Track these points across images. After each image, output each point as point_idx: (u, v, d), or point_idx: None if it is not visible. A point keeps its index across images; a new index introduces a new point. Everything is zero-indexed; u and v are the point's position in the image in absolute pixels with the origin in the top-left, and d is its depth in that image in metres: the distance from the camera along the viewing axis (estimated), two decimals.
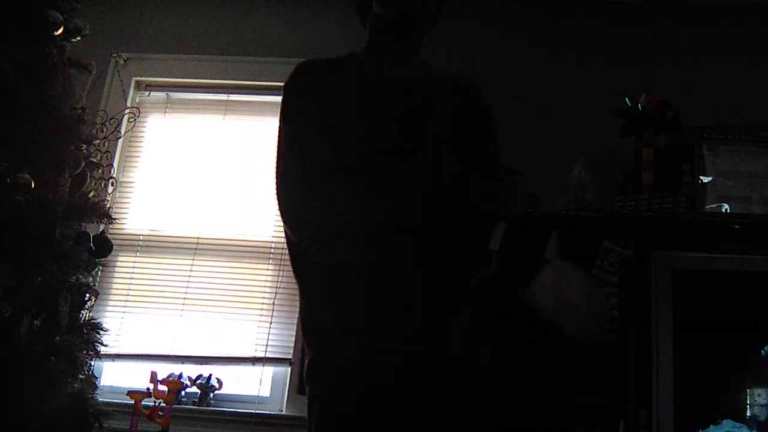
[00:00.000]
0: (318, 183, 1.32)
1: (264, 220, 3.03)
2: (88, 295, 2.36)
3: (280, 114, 1.42)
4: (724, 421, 2.08)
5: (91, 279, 2.56)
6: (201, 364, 2.84)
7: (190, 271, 2.99)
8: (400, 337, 1.30)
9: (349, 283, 1.31)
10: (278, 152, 1.38)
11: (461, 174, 1.38)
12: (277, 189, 1.36)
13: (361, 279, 1.30)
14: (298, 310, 2.82)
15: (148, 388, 2.57)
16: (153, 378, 2.60)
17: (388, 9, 1.41)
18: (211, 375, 2.80)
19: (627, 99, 2.56)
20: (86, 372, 2.30)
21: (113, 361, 2.85)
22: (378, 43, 1.48)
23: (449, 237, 1.34)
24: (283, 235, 2.94)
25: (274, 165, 1.38)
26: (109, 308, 2.95)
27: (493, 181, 1.49)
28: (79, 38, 2.41)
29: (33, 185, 2.08)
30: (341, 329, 1.33)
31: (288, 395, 2.77)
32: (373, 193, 1.30)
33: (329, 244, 1.31)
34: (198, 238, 3.03)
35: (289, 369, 2.80)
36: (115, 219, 2.62)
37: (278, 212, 1.37)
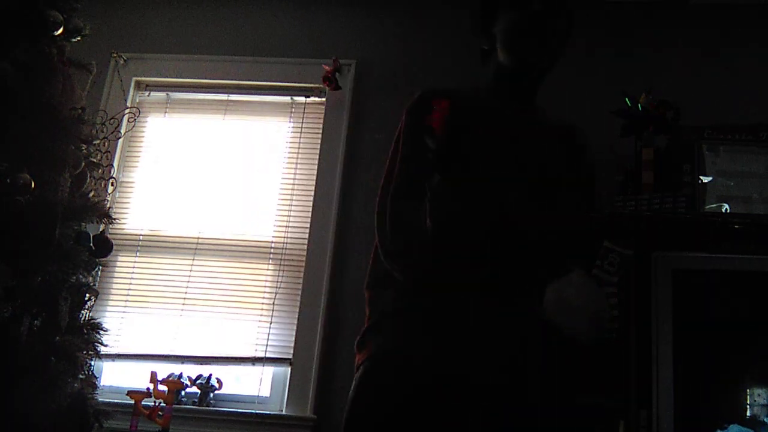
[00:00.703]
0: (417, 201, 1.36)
1: (264, 220, 3.03)
2: (88, 295, 2.36)
3: (398, 137, 1.48)
4: (730, 426, 2.08)
5: (91, 279, 2.56)
6: (201, 364, 2.84)
7: (190, 271, 2.99)
8: (460, 336, 1.35)
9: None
10: (388, 169, 1.45)
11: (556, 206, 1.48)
12: (379, 207, 1.43)
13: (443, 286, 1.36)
14: (299, 310, 2.83)
15: (148, 388, 2.57)
16: (153, 378, 2.60)
17: (517, 61, 1.51)
18: (211, 375, 2.80)
19: (627, 99, 2.57)
20: (86, 372, 2.30)
21: (113, 361, 2.85)
22: (501, 87, 1.55)
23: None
24: (282, 235, 2.97)
25: (382, 183, 1.44)
26: (109, 308, 2.95)
27: (579, 222, 1.62)
28: (79, 38, 2.41)
29: (33, 185, 2.08)
30: (410, 310, 1.38)
31: (288, 395, 2.77)
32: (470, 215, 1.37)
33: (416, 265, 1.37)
34: (198, 238, 3.03)
35: (289, 369, 2.80)
36: (115, 219, 2.62)
37: (377, 229, 1.42)
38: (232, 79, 3.22)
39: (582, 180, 1.64)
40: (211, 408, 2.76)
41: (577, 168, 1.62)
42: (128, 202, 3.13)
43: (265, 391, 2.83)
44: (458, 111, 1.38)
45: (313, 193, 2.99)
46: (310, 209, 2.97)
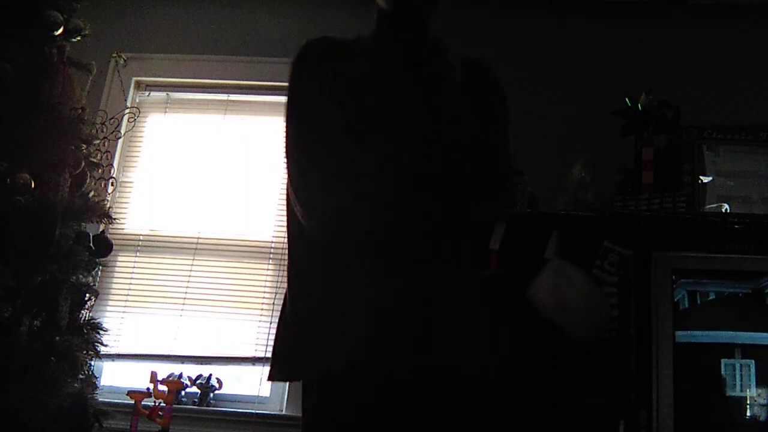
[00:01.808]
0: (320, 149, 1.29)
1: (264, 220, 3.03)
2: (88, 295, 2.36)
3: (288, 90, 1.40)
4: None
5: (91, 279, 2.56)
6: (201, 364, 2.84)
7: (190, 271, 2.99)
8: (394, 317, 1.25)
9: (343, 262, 1.28)
10: (286, 127, 1.36)
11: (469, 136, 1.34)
12: (287, 171, 1.34)
13: (358, 257, 1.27)
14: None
15: (148, 388, 2.57)
16: (153, 378, 2.60)
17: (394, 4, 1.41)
18: (211, 375, 2.80)
19: (627, 99, 2.57)
20: (86, 372, 2.30)
21: (113, 361, 2.84)
22: (384, 26, 1.46)
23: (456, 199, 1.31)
24: (282, 235, 2.96)
25: (284, 146, 1.35)
26: (109, 308, 2.95)
27: (500, 143, 1.47)
28: (79, 38, 2.41)
29: (33, 185, 2.08)
30: (331, 307, 1.27)
31: (288, 395, 2.76)
32: (378, 159, 1.27)
33: (329, 215, 1.28)
34: (198, 238, 3.03)
35: None
36: (115, 219, 2.62)
37: (289, 190, 1.35)
38: (232, 79, 3.22)
39: (497, 114, 1.49)
40: (211, 408, 2.76)
41: (491, 103, 1.48)
42: (128, 202, 3.13)
43: (265, 391, 2.83)
44: (348, 62, 1.34)
45: None
46: None
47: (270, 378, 1.37)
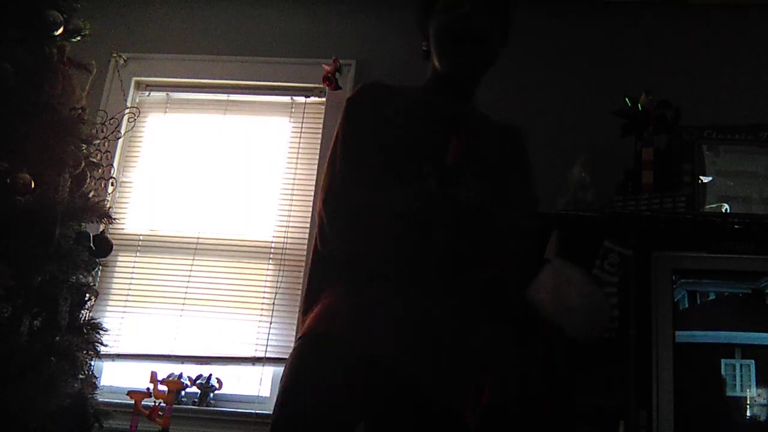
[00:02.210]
0: (359, 182, 1.39)
1: (264, 220, 3.03)
2: (88, 295, 2.36)
3: (339, 124, 1.49)
4: None
5: (91, 279, 2.56)
6: (201, 364, 2.84)
7: (190, 271, 2.99)
8: (405, 329, 1.32)
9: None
10: (331, 156, 1.46)
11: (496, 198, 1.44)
12: (323, 192, 1.44)
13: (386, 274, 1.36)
14: (299, 310, 2.84)
15: (148, 388, 2.57)
16: (153, 378, 2.60)
17: (447, 65, 1.48)
18: (211, 375, 2.80)
19: (627, 99, 2.57)
20: (86, 372, 2.30)
21: (113, 361, 2.85)
22: (437, 84, 1.54)
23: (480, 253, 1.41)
24: (282, 235, 2.97)
25: (326, 170, 1.46)
26: (109, 308, 2.95)
27: (525, 206, 1.56)
28: (79, 38, 2.41)
29: (33, 185, 2.08)
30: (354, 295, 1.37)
31: None
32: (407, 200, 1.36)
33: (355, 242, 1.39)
34: (198, 238, 3.03)
35: None
36: (115, 219, 2.62)
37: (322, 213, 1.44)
38: (232, 79, 3.22)
39: (525, 177, 1.58)
40: (211, 408, 2.76)
41: (520, 166, 1.56)
42: (128, 202, 3.13)
43: (265, 391, 2.83)
44: (397, 110, 1.43)
45: (313, 193, 2.99)
46: (310, 209, 2.96)
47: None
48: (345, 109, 1.50)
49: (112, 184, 2.86)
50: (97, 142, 2.55)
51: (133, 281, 3.00)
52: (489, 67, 1.52)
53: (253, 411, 2.73)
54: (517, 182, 1.53)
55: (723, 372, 2.19)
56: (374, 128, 1.44)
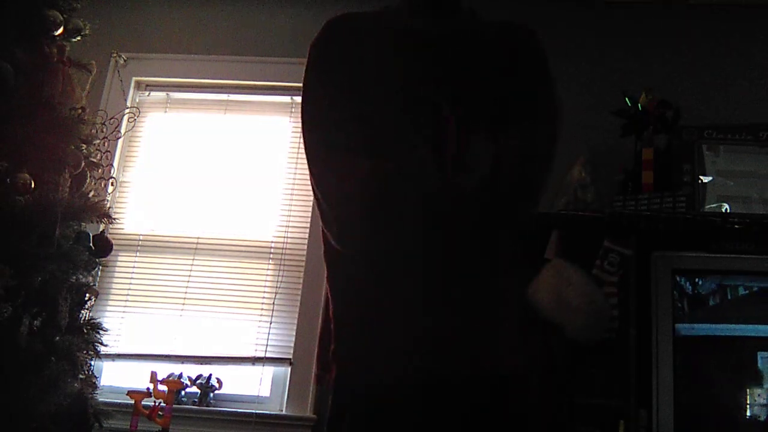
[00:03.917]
0: (336, 160, 1.21)
1: (264, 220, 3.03)
2: (88, 295, 2.36)
3: (304, 79, 1.30)
4: None
5: (91, 279, 2.56)
6: (201, 364, 2.84)
7: (190, 271, 2.99)
8: (425, 331, 1.20)
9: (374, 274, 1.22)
10: (304, 136, 1.27)
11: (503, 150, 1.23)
12: (310, 171, 1.28)
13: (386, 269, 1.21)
14: (299, 310, 2.83)
15: (148, 388, 2.57)
16: (153, 378, 2.60)
17: None
18: (211, 375, 2.80)
19: (627, 99, 2.57)
20: (86, 372, 2.30)
21: (113, 361, 2.84)
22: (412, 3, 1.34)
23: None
24: (282, 235, 2.97)
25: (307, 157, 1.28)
26: (109, 308, 2.95)
27: (541, 161, 1.34)
28: (79, 38, 2.41)
29: (33, 185, 2.08)
30: (366, 326, 1.23)
31: (288, 395, 2.76)
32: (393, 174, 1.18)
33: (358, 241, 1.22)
34: (198, 238, 3.03)
35: (289, 369, 2.80)
36: (115, 219, 2.62)
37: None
38: (232, 79, 3.22)
39: (541, 113, 1.32)
40: (211, 408, 2.76)
41: (533, 93, 1.32)
42: (128, 202, 3.13)
43: (265, 391, 2.83)
44: (368, 50, 1.23)
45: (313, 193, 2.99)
46: (310, 209, 2.96)
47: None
48: (308, 61, 1.30)
49: (112, 184, 2.87)
50: (97, 142, 2.55)
51: (133, 281, 3.00)
52: None
53: (253, 411, 2.73)
54: (529, 130, 1.29)
55: (759, 365, 2.18)
56: (346, 83, 1.25)
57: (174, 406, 2.57)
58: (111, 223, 2.54)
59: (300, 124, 1.30)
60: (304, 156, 1.28)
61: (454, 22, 1.33)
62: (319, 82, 1.29)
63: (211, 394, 2.79)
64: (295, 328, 2.84)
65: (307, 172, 1.29)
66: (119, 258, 3.01)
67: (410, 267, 1.21)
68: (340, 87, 1.26)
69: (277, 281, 2.92)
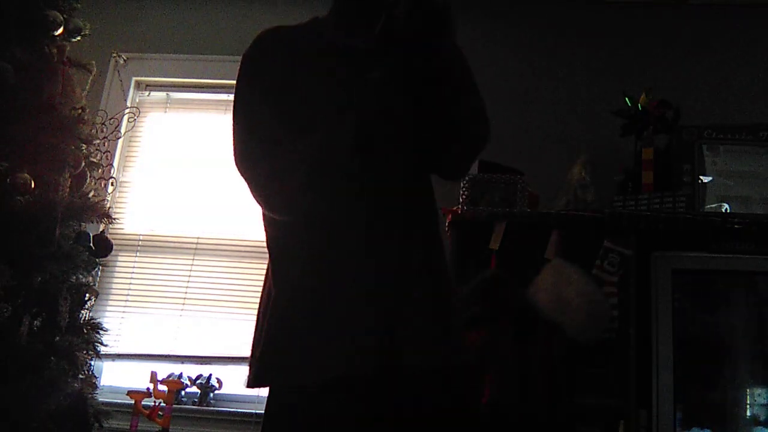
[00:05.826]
0: (261, 153, 1.37)
1: None
2: (88, 295, 2.36)
3: (236, 84, 1.42)
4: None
5: (91, 279, 2.56)
6: (201, 364, 2.84)
7: (190, 271, 2.99)
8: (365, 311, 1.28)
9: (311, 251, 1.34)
10: (233, 122, 1.39)
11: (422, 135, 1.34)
12: (235, 161, 1.43)
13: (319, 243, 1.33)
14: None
15: (148, 388, 2.57)
16: (153, 378, 2.60)
17: None
18: (211, 375, 2.80)
19: (627, 99, 2.57)
20: (86, 372, 2.30)
21: (113, 361, 2.84)
22: (341, 9, 1.45)
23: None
24: None
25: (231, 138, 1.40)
26: (109, 308, 2.95)
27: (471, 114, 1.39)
28: (79, 38, 2.41)
29: (33, 185, 2.08)
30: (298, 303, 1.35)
31: None
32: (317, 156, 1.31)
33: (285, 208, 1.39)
34: (198, 238, 3.03)
35: None
36: (114, 219, 2.62)
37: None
38: (232, 79, 3.19)
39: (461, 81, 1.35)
40: (211, 408, 2.76)
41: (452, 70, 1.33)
42: (128, 202, 3.13)
43: (265, 391, 2.82)
44: (297, 60, 1.34)
45: None
46: None
47: (249, 385, 1.41)
48: (240, 67, 1.40)
49: (112, 184, 2.87)
50: (97, 141, 2.55)
51: (133, 281, 3.00)
52: None
53: (253, 411, 2.73)
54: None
55: (760, 365, 2.18)
56: (275, 88, 1.36)
57: (174, 406, 2.57)
58: (111, 223, 2.54)
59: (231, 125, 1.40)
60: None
61: (377, 35, 1.36)
62: (249, 86, 1.40)
63: (211, 394, 2.79)
64: None
65: None
66: (119, 258, 3.01)
67: (344, 232, 1.31)
68: (266, 91, 1.37)
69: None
